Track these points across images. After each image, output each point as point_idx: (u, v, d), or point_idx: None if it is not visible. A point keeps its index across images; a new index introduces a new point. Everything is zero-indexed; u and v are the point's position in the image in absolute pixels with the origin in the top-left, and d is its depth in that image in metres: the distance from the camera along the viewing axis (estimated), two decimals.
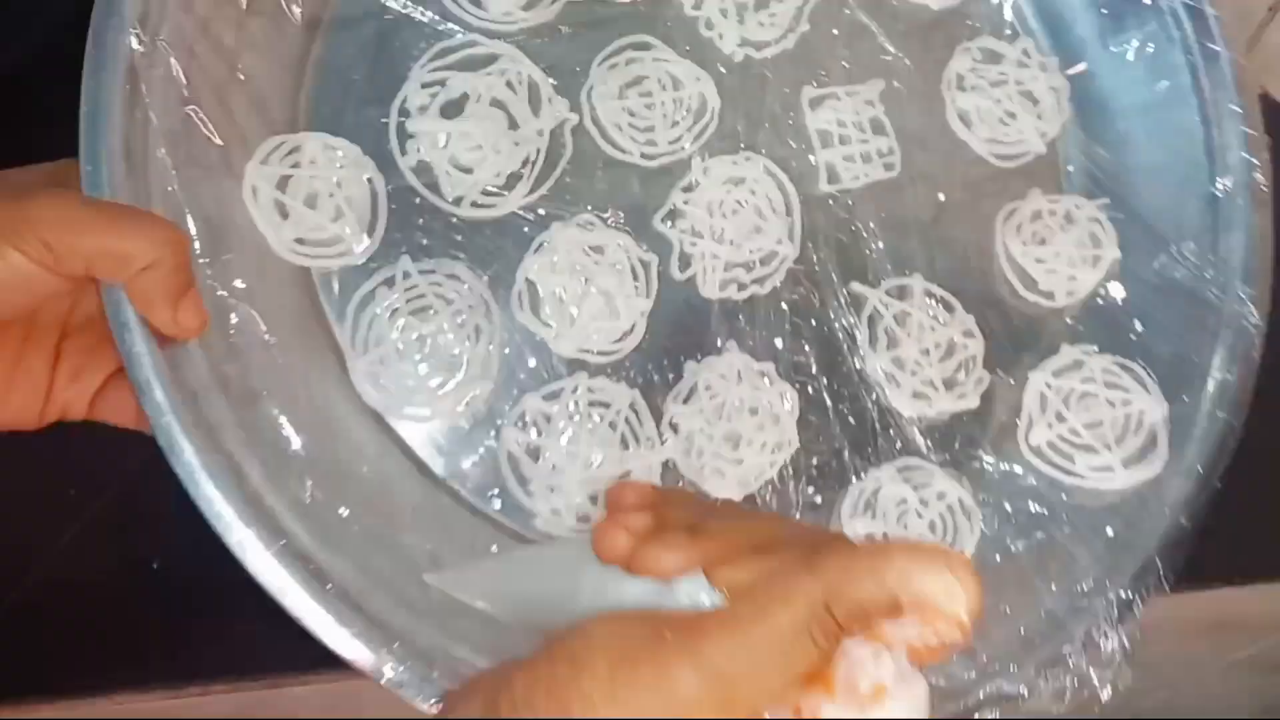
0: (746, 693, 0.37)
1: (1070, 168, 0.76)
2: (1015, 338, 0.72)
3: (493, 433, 0.66)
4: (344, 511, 0.60)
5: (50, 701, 0.65)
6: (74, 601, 0.66)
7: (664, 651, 0.37)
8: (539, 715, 0.37)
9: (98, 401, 0.58)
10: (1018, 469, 0.70)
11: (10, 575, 0.66)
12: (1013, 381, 0.72)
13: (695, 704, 0.37)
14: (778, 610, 0.38)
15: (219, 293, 0.60)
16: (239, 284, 0.61)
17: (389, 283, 0.65)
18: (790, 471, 0.69)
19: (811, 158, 0.72)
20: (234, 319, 0.60)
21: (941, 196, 0.74)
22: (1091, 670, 0.64)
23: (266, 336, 0.61)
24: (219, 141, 0.62)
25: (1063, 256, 0.73)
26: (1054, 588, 0.67)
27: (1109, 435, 0.70)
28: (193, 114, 0.61)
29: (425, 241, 0.66)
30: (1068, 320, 0.74)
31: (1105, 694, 0.65)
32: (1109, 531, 0.68)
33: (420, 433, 0.66)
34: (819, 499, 0.69)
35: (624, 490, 0.52)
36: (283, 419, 0.60)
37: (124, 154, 0.57)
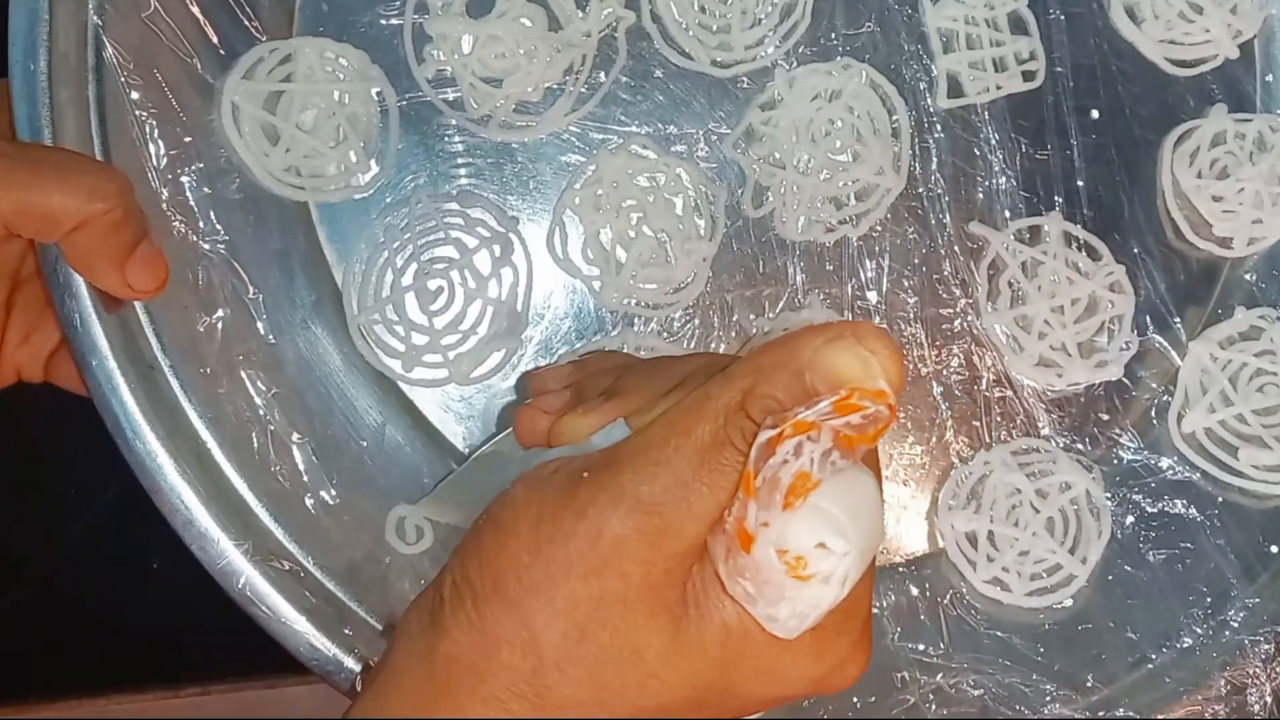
0: (676, 518, 0.35)
1: (1270, 78, 0.63)
2: (1176, 295, 0.62)
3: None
4: (331, 497, 0.52)
5: (50, 701, 0.65)
6: (74, 601, 0.67)
7: (582, 494, 0.36)
8: (478, 592, 0.36)
9: (52, 365, 0.53)
10: (1165, 460, 0.61)
11: (10, 575, 0.66)
12: (1169, 350, 0.61)
13: (623, 541, 0.35)
14: (691, 422, 0.36)
15: (189, 238, 0.52)
16: (214, 226, 0.54)
17: (400, 219, 0.57)
18: (881, 452, 0.57)
19: (930, 65, 0.61)
20: (205, 269, 0.53)
21: (1095, 113, 0.62)
22: None
23: (247, 289, 0.53)
24: (189, 55, 0.53)
25: (1248, 194, 0.61)
26: (1195, 613, 0.58)
27: None
28: (152, 22, 0.51)
29: (444, 169, 0.58)
30: (1246, 276, 0.63)
31: None
32: (1271, 548, 0.59)
33: (433, 399, 0.58)
34: (911, 485, 0.60)
35: (543, 376, 0.50)
36: (263, 388, 0.53)
37: (65, 73, 0.50)
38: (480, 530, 0.37)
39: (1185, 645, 0.56)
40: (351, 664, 0.50)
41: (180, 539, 0.50)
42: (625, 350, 0.58)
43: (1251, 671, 0.55)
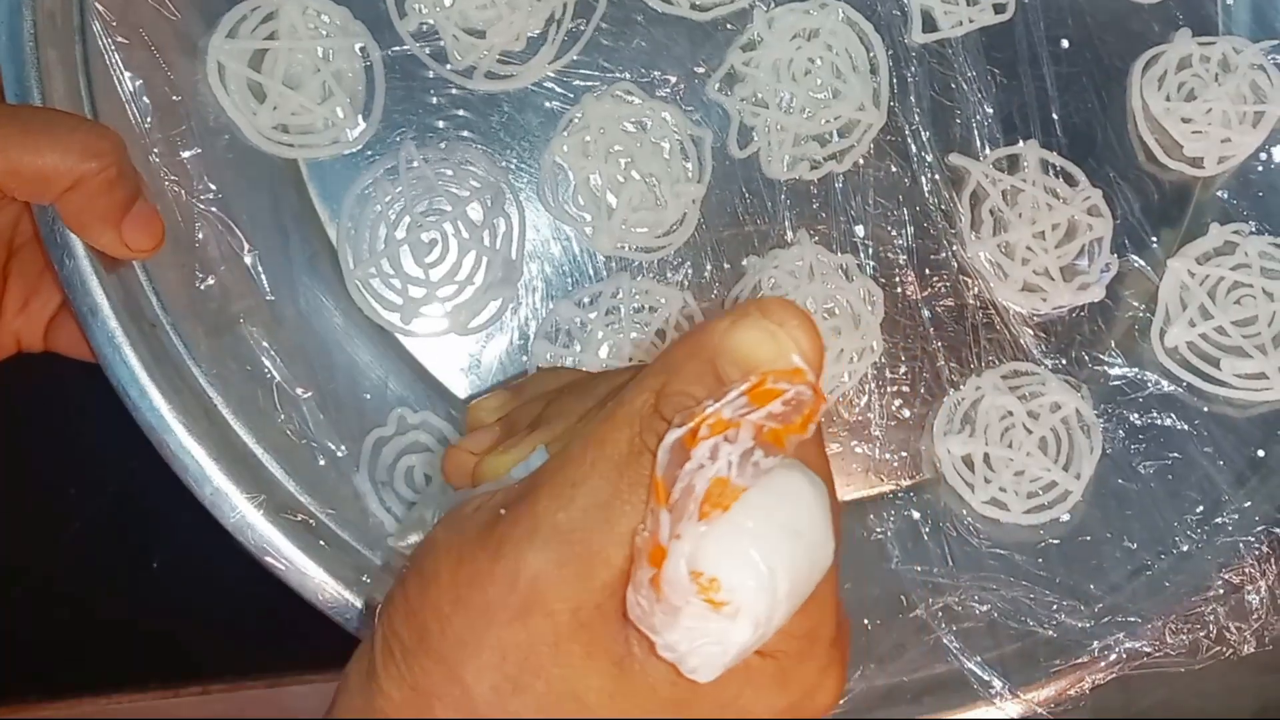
0: (599, 543, 0.31)
1: (1230, 1, 0.64)
2: (1152, 216, 0.63)
3: (521, 345, 0.58)
4: (340, 450, 0.52)
5: (50, 701, 0.65)
6: (74, 601, 0.66)
7: (498, 531, 0.32)
8: (406, 645, 0.33)
9: (52, 332, 0.52)
10: (1150, 375, 0.62)
11: (10, 575, 0.66)
12: (1148, 269, 0.62)
13: (544, 578, 0.31)
14: (605, 433, 0.32)
15: (183, 198, 0.52)
16: (207, 184, 0.53)
17: (390, 174, 0.57)
18: (873, 382, 0.60)
19: (904, 1, 0.62)
20: (202, 228, 0.52)
21: (1065, 43, 0.63)
22: (1232, 624, 0.54)
23: (243, 246, 0.53)
24: (173, 14, 0.52)
25: (1215, 114, 0.62)
26: (1189, 519, 0.59)
27: (1264, 335, 0.61)
28: None
29: (432, 122, 0.58)
30: (1218, 194, 0.64)
31: (1248, 649, 0.55)
32: (1259, 453, 0.60)
33: (433, 350, 0.58)
34: (906, 412, 0.61)
35: (477, 409, 0.45)
36: (265, 344, 0.53)
37: (51, 33, 0.50)
38: (405, 579, 0.34)
39: (1182, 551, 0.57)
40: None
41: (175, 522, 0.50)
42: (567, 365, 0.57)
43: (1247, 570, 0.56)
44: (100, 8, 0.50)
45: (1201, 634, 0.55)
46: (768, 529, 0.29)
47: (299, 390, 0.53)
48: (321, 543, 0.50)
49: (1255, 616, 0.54)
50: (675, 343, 0.32)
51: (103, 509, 0.67)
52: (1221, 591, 0.56)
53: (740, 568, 0.29)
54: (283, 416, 0.52)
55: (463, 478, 0.40)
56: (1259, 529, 0.57)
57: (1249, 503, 0.58)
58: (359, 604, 0.50)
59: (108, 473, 0.66)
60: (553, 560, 0.31)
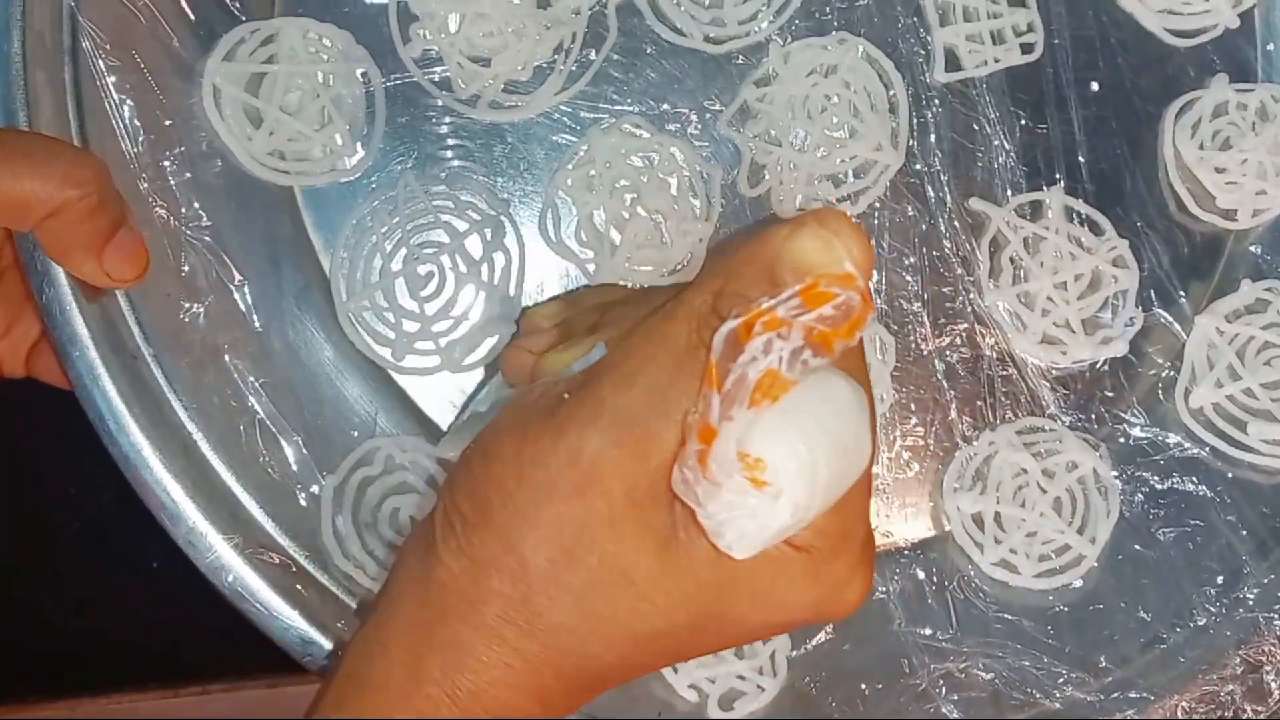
0: (656, 426, 0.33)
1: (1271, 47, 0.62)
2: (1180, 269, 0.60)
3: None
4: (325, 487, 0.51)
5: (50, 701, 0.65)
6: (74, 602, 0.67)
7: (562, 413, 0.35)
8: (467, 519, 0.35)
9: (33, 358, 0.51)
10: (1172, 436, 0.59)
11: (9, 575, 0.66)
12: (1174, 325, 0.60)
13: (604, 456, 0.34)
14: (666, 328, 0.34)
15: (171, 224, 0.51)
16: (197, 211, 0.52)
17: (388, 203, 0.56)
18: (882, 434, 0.58)
19: (927, 38, 0.60)
20: (190, 256, 0.51)
21: (1095, 85, 0.61)
22: (1249, 706, 0.52)
23: (232, 275, 0.51)
24: (168, 36, 0.51)
25: (1251, 165, 0.60)
26: (1208, 591, 0.57)
27: None
28: (128, 1, 0.50)
29: (432, 151, 0.57)
30: (1252, 248, 0.61)
31: None
32: None
33: (426, 387, 0.56)
34: (916, 466, 0.59)
35: (534, 314, 0.50)
36: (250, 378, 0.51)
37: (40, 54, 0.49)
38: (468, 459, 0.37)
39: (1199, 624, 0.55)
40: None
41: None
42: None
43: (1267, 649, 0.54)
44: (91, 28, 0.49)
45: (1215, 715, 0.53)
46: (813, 422, 0.32)
47: (283, 426, 0.52)
48: (299, 587, 0.49)
49: (1274, 699, 0.52)
50: (734, 246, 0.35)
51: (103, 509, 0.66)
52: (1239, 670, 0.54)
53: (785, 452, 0.31)
54: (265, 454, 0.51)
55: (521, 375, 0.43)
56: None
57: (1271, 576, 0.56)
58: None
59: (108, 473, 0.65)
60: (612, 441, 0.33)
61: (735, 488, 0.32)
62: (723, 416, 0.32)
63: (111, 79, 0.49)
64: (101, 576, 0.66)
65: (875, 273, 0.58)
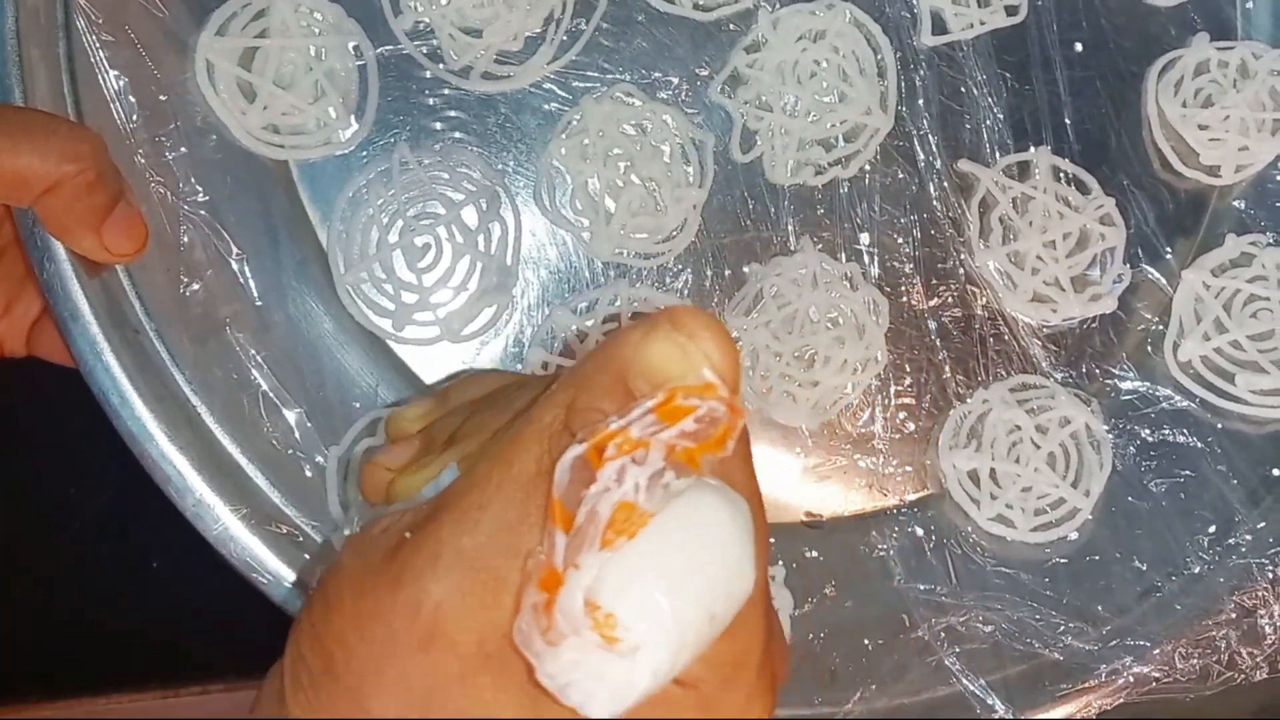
0: (507, 570, 0.29)
1: (1250, 4, 0.63)
2: (1166, 226, 0.61)
3: (516, 353, 0.57)
4: (330, 458, 0.51)
5: (50, 701, 0.65)
6: (74, 601, 0.66)
7: (400, 558, 0.30)
8: (312, 671, 0.31)
9: (34, 336, 0.51)
10: (1162, 389, 0.60)
11: (9, 575, 0.65)
12: (1161, 281, 0.61)
13: (447, 609, 0.29)
14: (513, 452, 0.30)
15: (169, 200, 0.51)
16: (194, 186, 0.52)
17: (383, 176, 0.56)
18: (877, 394, 0.59)
19: (913, 2, 0.60)
20: (188, 231, 0.51)
21: (1079, 47, 0.62)
22: (1244, 649, 0.53)
23: (230, 250, 0.51)
24: (160, 10, 0.51)
25: (1233, 121, 0.61)
26: (1201, 540, 0.58)
27: None
28: None
29: (426, 123, 0.57)
30: (1235, 203, 0.62)
31: (1260, 676, 0.53)
32: (1273, 471, 0.59)
33: (426, 357, 0.56)
34: (911, 426, 0.59)
35: (399, 419, 0.43)
36: (251, 351, 0.51)
37: (34, 30, 0.48)
38: (311, 604, 0.33)
39: (1193, 572, 0.56)
40: None
41: (175, 523, 0.49)
42: (618, 299, 0.56)
43: (1260, 594, 0.55)
44: (85, 4, 0.49)
45: (1212, 659, 0.54)
46: (678, 561, 0.27)
47: (286, 398, 0.52)
48: (307, 556, 0.49)
49: (1268, 642, 0.53)
50: (587, 355, 0.31)
51: (103, 509, 0.66)
52: (1234, 615, 0.55)
53: (642, 608, 0.27)
54: (269, 426, 0.51)
55: (379, 495, 0.39)
56: (1273, 550, 0.56)
57: (1263, 523, 0.57)
58: None
59: (108, 473, 0.66)
60: (455, 588, 0.29)
61: (579, 646, 0.27)
62: (569, 561, 0.27)
63: (105, 54, 0.49)
64: (101, 576, 0.66)
65: (867, 235, 0.59)
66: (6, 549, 0.65)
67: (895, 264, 0.59)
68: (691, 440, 0.27)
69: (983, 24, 0.60)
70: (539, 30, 0.57)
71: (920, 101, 0.59)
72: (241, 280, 0.52)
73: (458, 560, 0.29)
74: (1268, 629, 0.54)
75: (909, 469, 0.59)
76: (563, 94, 0.57)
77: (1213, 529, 0.57)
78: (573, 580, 0.27)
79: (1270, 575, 0.55)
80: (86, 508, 0.66)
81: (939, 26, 0.60)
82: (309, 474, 0.51)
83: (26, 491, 0.66)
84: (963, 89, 0.60)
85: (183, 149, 0.52)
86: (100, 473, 0.66)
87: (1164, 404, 0.59)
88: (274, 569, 0.48)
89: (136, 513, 0.66)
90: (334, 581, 0.32)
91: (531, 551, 0.29)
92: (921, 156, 0.59)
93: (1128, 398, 0.60)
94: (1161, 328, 0.60)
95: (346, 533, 0.46)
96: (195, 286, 0.51)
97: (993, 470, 0.58)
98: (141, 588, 0.66)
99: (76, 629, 0.66)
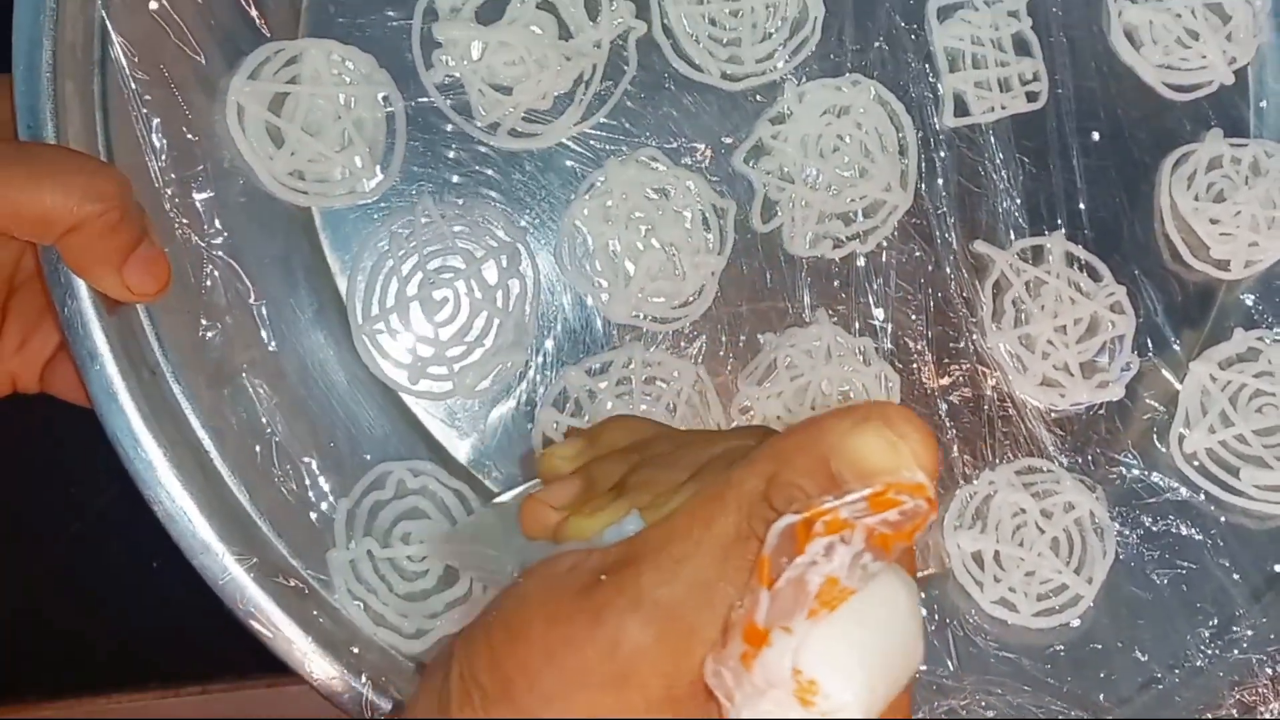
0: (701, 622, 0.31)
1: (1264, 104, 0.64)
2: (1175, 316, 0.62)
3: (528, 412, 0.57)
4: (339, 510, 0.50)
5: (50, 701, 0.65)
6: (74, 601, 0.66)
7: (598, 597, 0.32)
8: (487, 693, 0.33)
9: (48, 373, 0.50)
10: (1167, 480, 0.60)
11: (11, 575, 0.65)
12: (1169, 371, 0.61)
13: (643, 651, 0.31)
14: (713, 512, 0.32)
15: (192, 241, 0.50)
16: (218, 229, 0.52)
17: (405, 227, 0.56)
18: None
19: (936, 83, 0.61)
20: (210, 273, 0.51)
21: (1096, 135, 0.62)
22: None
23: (251, 294, 0.51)
24: (196, 52, 0.51)
25: (1244, 217, 0.61)
26: (1202, 633, 0.58)
27: None
28: (160, 16, 0.49)
29: (451, 177, 0.57)
30: (1244, 298, 0.63)
31: None
32: (1276, 568, 0.59)
33: (438, 411, 0.56)
34: None
35: (552, 457, 0.46)
36: (266, 398, 0.51)
37: (70, 65, 0.48)
38: (489, 626, 0.34)
39: (1195, 665, 0.56)
40: (358, 685, 0.48)
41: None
42: (632, 362, 0.56)
43: (1261, 690, 0.55)
44: (122, 42, 0.49)
45: None
46: (873, 638, 0.30)
47: (297, 447, 0.51)
48: (314, 612, 0.48)
49: None
50: (789, 430, 0.32)
51: (103, 509, 0.66)
52: (1234, 711, 0.54)
53: (843, 677, 0.30)
54: (280, 475, 0.50)
55: (542, 531, 0.41)
56: (1273, 647, 0.56)
57: (1264, 619, 0.57)
58: (350, 679, 0.48)
59: (108, 473, 0.64)
60: (653, 634, 0.31)
61: (779, 700, 0.30)
62: (776, 622, 0.30)
63: (139, 93, 0.49)
64: (101, 576, 0.66)
65: (882, 310, 0.59)
66: (7, 549, 0.65)
67: (908, 341, 0.59)
68: (890, 529, 0.29)
69: (1004, 108, 0.61)
70: (568, 90, 0.57)
71: (939, 181, 0.60)
72: (259, 325, 0.52)
73: (656, 608, 0.31)
74: None
75: (913, 547, 0.58)
76: (588, 155, 0.57)
77: (1214, 622, 0.57)
78: (782, 643, 0.29)
79: (1270, 672, 0.55)
80: (87, 507, 0.66)
81: (961, 108, 0.60)
82: (317, 524, 0.51)
83: (27, 492, 0.66)
84: (981, 171, 0.60)
85: (209, 191, 0.51)
86: (100, 473, 0.65)
87: (1168, 494, 0.59)
88: (278, 622, 0.48)
89: (136, 513, 0.66)
90: (519, 609, 0.33)
91: (732, 604, 0.31)
92: (938, 235, 0.60)
93: (1132, 486, 0.60)
94: (1167, 417, 0.60)
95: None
96: (214, 330, 0.50)
97: (997, 553, 0.58)
98: (141, 588, 0.66)
99: (77, 628, 0.66)
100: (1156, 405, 0.61)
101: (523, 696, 0.32)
